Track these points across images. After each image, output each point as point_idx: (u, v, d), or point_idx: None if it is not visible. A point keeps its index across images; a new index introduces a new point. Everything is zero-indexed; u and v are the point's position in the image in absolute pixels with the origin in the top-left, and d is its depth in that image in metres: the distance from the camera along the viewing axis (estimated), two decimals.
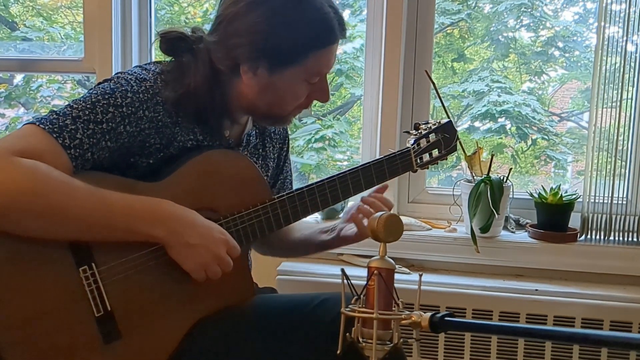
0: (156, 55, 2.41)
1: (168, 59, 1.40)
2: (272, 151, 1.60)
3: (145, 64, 1.38)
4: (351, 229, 1.54)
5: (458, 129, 1.99)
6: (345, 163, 3.06)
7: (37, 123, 1.18)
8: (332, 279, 1.95)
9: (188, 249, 1.23)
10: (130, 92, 1.26)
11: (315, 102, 1.45)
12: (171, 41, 1.37)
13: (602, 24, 1.99)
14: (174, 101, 1.31)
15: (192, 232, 1.23)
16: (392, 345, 0.99)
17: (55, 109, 1.22)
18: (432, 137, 1.57)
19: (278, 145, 1.62)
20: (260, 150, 1.55)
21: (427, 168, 1.62)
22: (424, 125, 1.60)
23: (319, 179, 1.46)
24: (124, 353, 1.23)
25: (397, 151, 1.54)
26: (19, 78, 3.40)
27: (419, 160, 1.56)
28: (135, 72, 1.32)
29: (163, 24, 2.91)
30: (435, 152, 1.58)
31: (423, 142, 1.57)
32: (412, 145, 1.55)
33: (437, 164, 1.62)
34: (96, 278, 1.21)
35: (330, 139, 2.97)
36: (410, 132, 1.61)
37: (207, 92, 1.34)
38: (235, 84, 1.36)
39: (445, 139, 1.58)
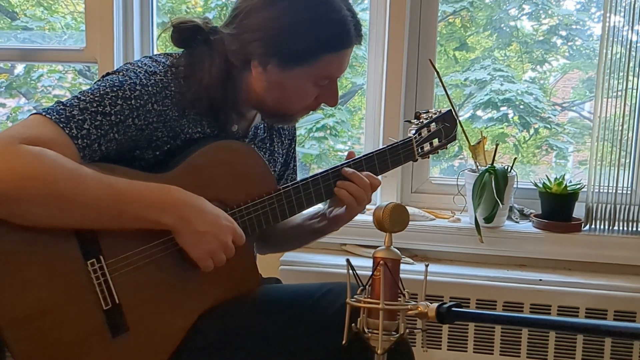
0: (158, 45, 2.40)
1: (169, 48, 1.38)
2: (281, 147, 1.58)
3: (156, 55, 1.36)
4: (340, 208, 1.49)
5: (460, 117, 1.99)
6: (347, 153, 3.04)
7: (44, 113, 1.16)
8: (335, 269, 1.95)
9: (196, 236, 1.22)
10: (139, 84, 1.24)
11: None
12: (186, 31, 1.35)
13: (607, 13, 1.98)
14: (191, 99, 1.30)
15: (201, 219, 1.22)
16: (397, 335, 0.99)
17: (62, 100, 1.20)
18: (432, 126, 1.57)
19: (287, 142, 1.61)
20: (268, 144, 1.54)
21: (428, 157, 1.63)
22: (424, 114, 1.60)
23: (322, 170, 1.47)
24: (131, 346, 1.22)
25: (400, 141, 1.54)
26: (19, 68, 3.39)
27: (420, 150, 1.57)
28: (145, 64, 1.30)
29: (164, 13, 2.89)
30: (435, 142, 1.59)
31: (424, 132, 1.57)
32: (414, 134, 1.56)
33: (438, 153, 1.63)
34: (104, 271, 1.19)
35: (331, 129, 2.96)
36: (412, 121, 1.61)
37: (220, 85, 1.32)
38: (245, 78, 1.35)
39: (446, 128, 1.59)
